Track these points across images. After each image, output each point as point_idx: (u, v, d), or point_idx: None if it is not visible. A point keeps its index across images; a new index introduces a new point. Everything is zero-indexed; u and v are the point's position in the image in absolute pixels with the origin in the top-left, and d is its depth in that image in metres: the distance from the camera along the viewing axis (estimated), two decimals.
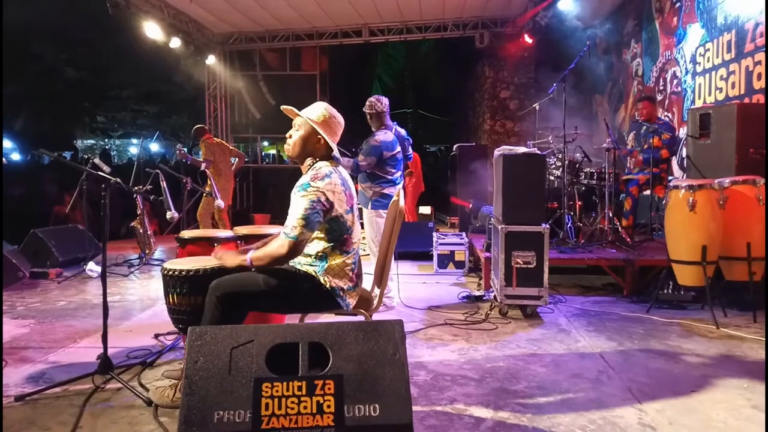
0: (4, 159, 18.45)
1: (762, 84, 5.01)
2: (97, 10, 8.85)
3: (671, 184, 4.32)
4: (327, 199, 2.49)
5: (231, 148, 8.21)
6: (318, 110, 2.66)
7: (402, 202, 2.84)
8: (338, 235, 2.58)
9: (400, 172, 4.59)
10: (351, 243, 2.64)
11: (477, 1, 8.90)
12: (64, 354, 3.52)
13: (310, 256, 2.60)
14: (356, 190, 4.47)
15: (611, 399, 2.78)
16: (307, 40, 10.37)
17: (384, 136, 4.46)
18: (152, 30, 8.09)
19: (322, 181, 2.50)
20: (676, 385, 2.94)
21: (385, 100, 4.59)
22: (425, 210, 9.31)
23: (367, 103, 4.58)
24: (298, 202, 2.47)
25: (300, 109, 2.72)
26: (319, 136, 2.60)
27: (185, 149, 7.58)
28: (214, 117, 11.00)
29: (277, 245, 2.47)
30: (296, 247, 2.46)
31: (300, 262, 2.61)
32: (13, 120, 19.16)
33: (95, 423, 2.55)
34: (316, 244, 2.59)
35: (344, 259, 2.61)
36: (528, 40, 9.29)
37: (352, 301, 2.67)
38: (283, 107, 2.75)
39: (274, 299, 2.56)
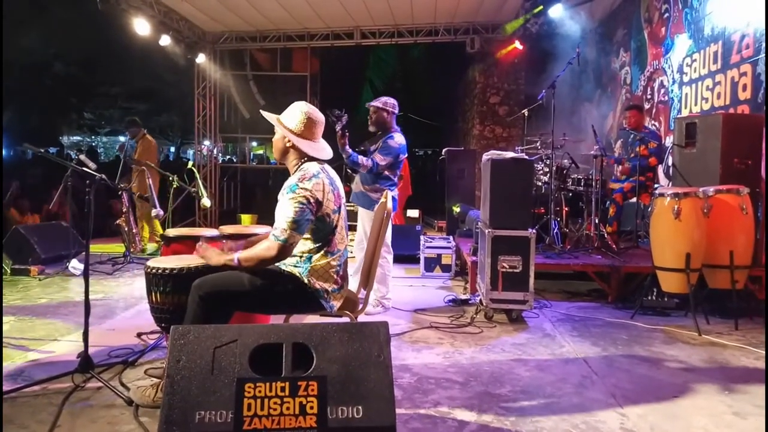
0: None
1: (747, 95, 5.07)
2: (87, 5, 8.77)
3: (657, 191, 4.36)
4: (316, 200, 2.48)
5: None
6: (295, 117, 2.64)
7: (390, 204, 2.83)
8: (323, 235, 2.57)
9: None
10: (336, 244, 2.63)
11: (469, 6, 8.93)
12: (44, 352, 3.47)
13: (294, 256, 2.58)
14: (359, 191, 4.48)
15: (594, 404, 2.79)
16: (299, 42, 10.35)
17: (401, 138, 4.47)
18: (142, 27, 8.02)
19: (310, 182, 2.49)
20: (658, 390, 2.96)
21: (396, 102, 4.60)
22: (413, 213, 9.31)
23: (386, 101, 4.49)
24: (287, 205, 2.45)
25: (282, 110, 2.71)
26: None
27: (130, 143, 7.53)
28: (203, 116, 10.93)
29: (266, 247, 2.45)
30: (285, 250, 2.44)
31: (285, 263, 2.60)
32: None
33: (74, 422, 2.51)
34: (301, 244, 2.57)
35: (329, 261, 2.60)
36: (518, 46, 9.34)
37: (336, 303, 2.66)
38: (263, 113, 2.75)
39: (257, 299, 2.54)
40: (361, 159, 4.31)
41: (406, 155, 4.62)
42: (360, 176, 4.53)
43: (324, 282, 2.58)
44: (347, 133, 4.22)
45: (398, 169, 4.51)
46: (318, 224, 2.54)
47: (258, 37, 10.35)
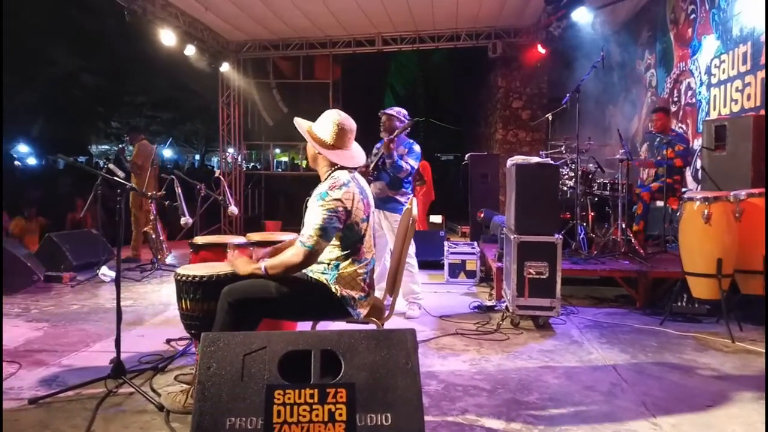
0: (19, 163, 18.70)
1: None
2: (114, 18, 8.98)
3: (686, 195, 4.29)
4: (345, 209, 2.50)
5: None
6: (327, 128, 2.66)
7: (414, 210, 2.83)
8: (351, 243, 2.59)
9: None
10: (363, 252, 2.64)
11: (490, 11, 8.91)
12: (77, 357, 3.55)
13: (322, 263, 2.60)
14: (384, 196, 4.56)
15: (625, 412, 2.74)
16: (321, 49, 10.43)
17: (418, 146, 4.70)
18: (168, 37, 8.18)
19: (340, 191, 2.51)
20: (691, 399, 2.90)
21: None
22: (436, 219, 9.29)
23: (399, 110, 4.68)
24: (316, 211, 2.47)
25: (312, 119, 2.74)
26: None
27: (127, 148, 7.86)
28: (228, 124, 11.08)
29: (292, 254, 2.48)
30: (311, 257, 2.46)
31: (312, 270, 2.62)
32: (30, 125, 19.43)
33: (107, 427, 2.56)
34: (329, 252, 2.59)
35: (356, 269, 2.61)
36: (541, 50, 9.28)
37: (363, 311, 2.67)
38: (295, 122, 2.77)
39: (285, 306, 2.56)
40: (404, 163, 4.47)
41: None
42: (384, 182, 4.61)
43: (351, 290, 2.59)
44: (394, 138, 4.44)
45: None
46: (346, 232, 2.56)
47: (281, 46, 10.46)
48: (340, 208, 2.48)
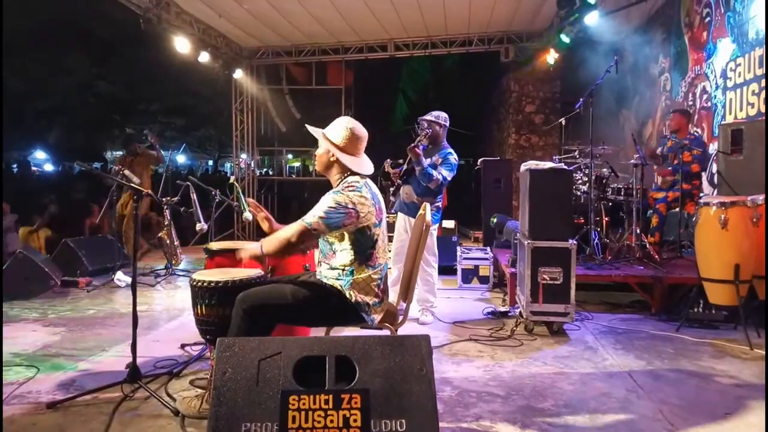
0: (36, 168, 18.98)
1: None
2: (129, 26, 9.09)
3: (702, 200, 4.24)
4: (354, 209, 2.51)
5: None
6: (340, 132, 2.68)
7: (429, 216, 2.83)
8: (364, 249, 2.60)
9: None
10: (376, 258, 2.65)
11: (503, 16, 8.90)
12: (93, 362, 3.58)
13: (336, 269, 2.61)
14: (410, 202, 4.48)
15: (641, 420, 2.72)
16: (333, 55, 10.48)
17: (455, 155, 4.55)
18: (182, 44, 8.26)
19: (353, 193, 2.54)
20: (709, 407, 2.86)
21: None
22: (449, 224, 9.26)
23: (438, 114, 4.54)
24: (327, 199, 2.52)
25: (325, 125, 2.76)
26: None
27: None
28: (241, 130, 11.16)
29: (289, 230, 2.50)
30: (307, 234, 2.46)
31: (326, 276, 2.63)
32: (47, 132, 19.72)
33: (124, 431, 2.58)
34: (343, 256, 2.60)
35: (370, 274, 2.61)
36: (554, 54, 9.25)
37: (377, 317, 2.67)
38: (308, 127, 2.81)
39: (300, 312, 2.58)
40: (434, 173, 4.35)
41: None
42: (414, 188, 4.52)
43: (365, 295, 2.60)
44: (421, 146, 4.32)
45: None
46: (359, 236, 2.57)
47: (293, 52, 10.53)
48: (350, 206, 2.50)
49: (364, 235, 2.58)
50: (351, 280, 2.59)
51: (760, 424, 2.66)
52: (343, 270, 2.60)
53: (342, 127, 2.70)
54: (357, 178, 2.64)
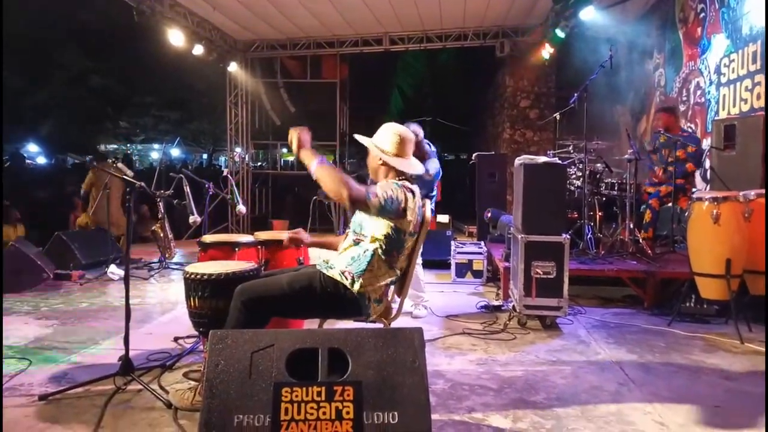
0: (30, 161, 18.81)
1: None
2: (122, 18, 9.03)
3: (694, 195, 4.26)
4: (404, 208, 2.56)
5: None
6: (389, 139, 2.76)
7: (429, 213, 2.83)
8: (391, 247, 2.61)
9: None
10: (398, 261, 2.67)
11: (498, 10, 8.90)
12: (86, 355, 3.57)
13: (355, 258, 2.59)
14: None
15: (632, 412, 2.74)
16: (328, 48, 10.45)
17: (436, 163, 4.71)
18: (176, 37, 8.21)
19: (409, 194, 2.61)
20: (699, 400, 2.89)
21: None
22: (443, 219, 9.27)
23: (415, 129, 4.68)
24: (387, 185, 2.56)
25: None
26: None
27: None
28: (235, 123, 11.13)
29: (352, 184, 2.43)
30: (360, 201, 2.45)
31: (328, 268, 2.62)
32: (40, 125, 19.57)
33: (116, 423, 2.58)
34: (371, 241, 2.60)
35: (387, 272, 2.63)
36: (549, 49, 9.25)
37: (373, 314, 2.68)
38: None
39: (297, 304, 2.58)
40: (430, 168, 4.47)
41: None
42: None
43: (371, 288, 2.58)
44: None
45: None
46: (394, 234, 2.59)
47: (288, 45, 10.49)
48: (402, 199, 2.55)
49: (399, 234, 2.59)
50: (366, 268, 2.56)
51: (749, 415, 2.69)
52: (365, 252, 2.59)
53: (390, 133, 2.77)
54: (407, 183, 2.71)
